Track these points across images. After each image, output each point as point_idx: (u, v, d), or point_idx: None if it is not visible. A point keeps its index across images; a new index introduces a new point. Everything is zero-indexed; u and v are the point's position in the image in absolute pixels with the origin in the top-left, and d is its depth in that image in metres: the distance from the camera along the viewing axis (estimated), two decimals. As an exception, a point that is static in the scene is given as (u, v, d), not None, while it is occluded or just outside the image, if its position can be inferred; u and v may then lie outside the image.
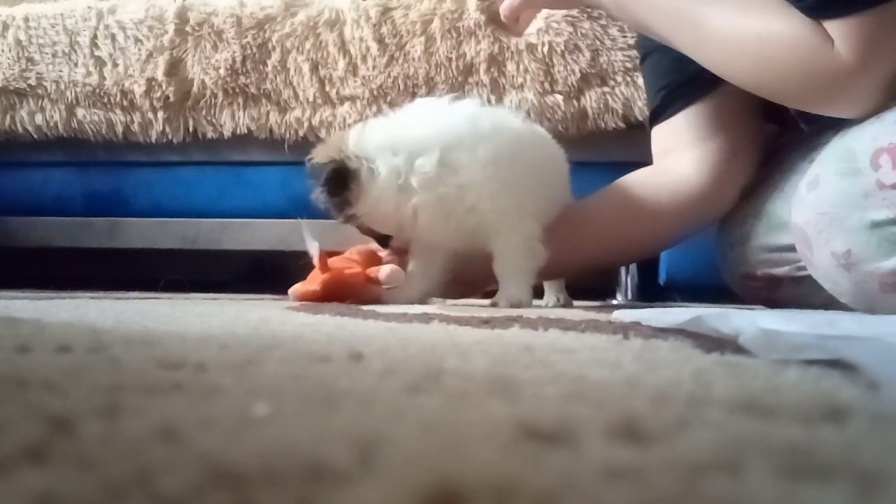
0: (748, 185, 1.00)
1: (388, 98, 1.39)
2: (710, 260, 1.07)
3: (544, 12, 1.32)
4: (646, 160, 1.06)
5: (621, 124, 1.34)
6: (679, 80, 0.99)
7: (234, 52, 1.44)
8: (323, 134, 1.39)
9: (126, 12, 1.49)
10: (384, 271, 0.93)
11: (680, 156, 1.00)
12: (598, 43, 1.34)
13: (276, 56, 1.44)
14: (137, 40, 1.47)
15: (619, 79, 1.33)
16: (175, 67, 1.46)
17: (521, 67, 1.36)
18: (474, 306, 0.96)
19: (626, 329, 0.50)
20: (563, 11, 1.34)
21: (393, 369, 0.31)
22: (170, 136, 1.48)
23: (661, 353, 0.39)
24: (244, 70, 1.44)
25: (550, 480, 0.16)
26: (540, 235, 0.94)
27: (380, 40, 1.40)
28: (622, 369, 0.32)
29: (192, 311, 0.71)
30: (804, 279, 0.88)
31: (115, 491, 0.14)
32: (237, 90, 1.45)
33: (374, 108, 1.39)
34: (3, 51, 1.52)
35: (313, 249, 0.94)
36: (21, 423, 0.19)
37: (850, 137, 0.78)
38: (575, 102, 1.35)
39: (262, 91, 1.45)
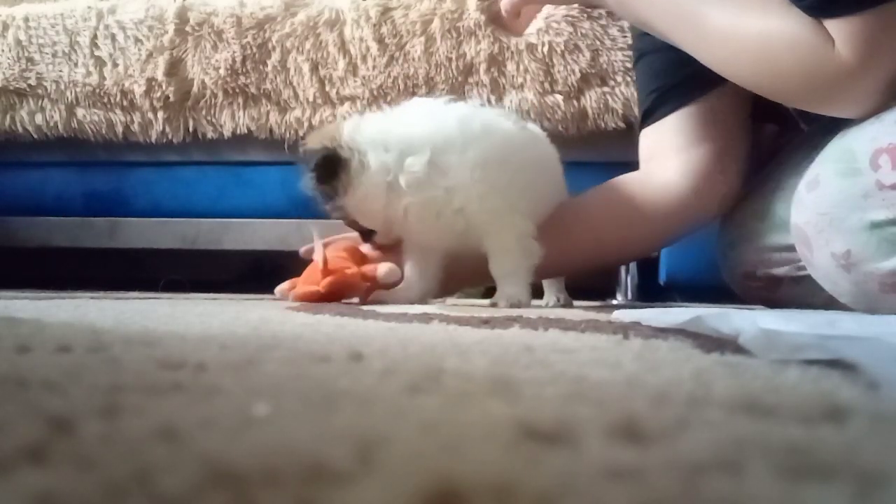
0: (739, 192, 1.00)
1: (388, 98, 1.39)
2: (710, 260, 1.07)
3: (544, 12, 1.32)
4: (645, 160, 1.07)
5: (621, 124, 1.34)
6: (670, 83, 0.99)
7: (234, 52, 1.44)
8: (323, 134, 1.39)
9: (126, 12, 1.49)
10: (381, 269, 0.93)
11: (665, 162, 1.00)
12: (598, 43, 1.34)
13: (276, 56, 1.44)
14: (137, 40, 1.47)
15: (619, 79, 1.33)
16: (175, 67, 1.46)
17: (521, 67, 1.36)
18: (474, 306, 0.96)
19: (626, 329, 0.50)
20: (564, 11, 1.34)
21: (393, 369, 0.31)
22: (170, 136, 1.48)
23: (661, 353, 0.39)
24: (244, 70, 1.45)
25: (550, 480, 0.16)
26: (534, 233, 0.94)
27: (380, 40, 1.40)
28: (622, 369, 0.32)
29: (192, 311, 0.71)
30: (804, 279, 0.88)
31: (115, 491, 0.14)
32: (237, 90, 1.45)
33: (374, 109, 1.39)
34: (3, 51, 1.52)
35: (319, 250, 0.93)
36: (21, 423, 0.19)
37: (849, 138, 0.77)
38: (575, 102, 1.35)
39: (262, 91, 1.45)
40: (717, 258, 1.05)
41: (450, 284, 1.04)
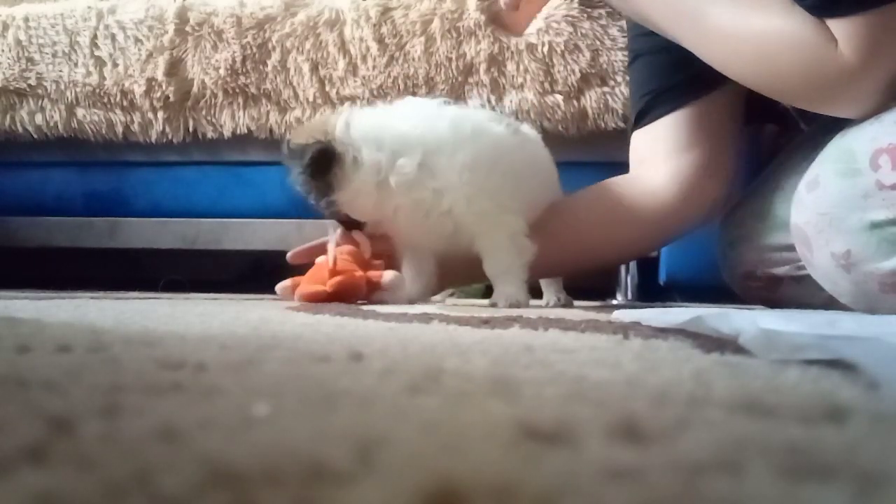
0: (728, 197, 1.00)
1: (388, 98, 1.39)
2: (710, 260, 1.07)
3: (544, 12, 1.32)
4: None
5: (621, 124, 1.34)
6: (664, 87, 0.99)
7: (234, 52, 1.44)
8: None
9: (126, 12, 1.49)
10: (387, 277, 0.93)
11: (655, 167, 1.00)
12: (598, 43, 1.34)
13: (276, 56, 1.44)
14: (137, 40, 1.47)
15: (619, 79, 1.33)
16: (175, 67, 1.46)
17: (521, 67, 1.36)
18: (474, 306, 0.96)
19: (626, 329, 0.50)
20: (564, 11, 1.34)
21: (393, 369, 0.31)
22: (170, 136, 1.48)
23: (661, 353, 0.39)
24: (244, 70, 1.45)
25: (550, 480, 0.16)
26: (526, 230, 0.94)
27: (380, 40, 1.40)
28: (622, 369, 0.32)
29: (192, 311, 0.71)
30: (804, 279, 0.88)
31: (115, 491, 0.14)
32: (237, 90, 1.45)
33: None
34: (3, 51, 1.52)
35: (331, 249, 0.93)
36: (21, 423, 0.19)
37: (849, 138, 0.77)
38: (575, 102, 1.35)
39: (262, 91, 1.45)
40: (717, 258, 1.05)
41: (444, 282, 1.05)
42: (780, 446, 0.18)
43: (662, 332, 0.49)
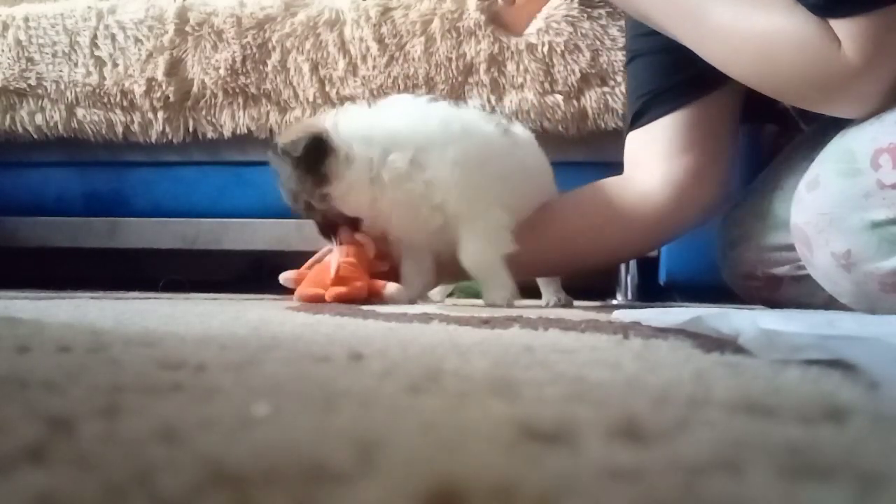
0: (722, 200, 1.00)
1: (389, 98, 1.39)
2: (710, 260, 1.07)
3: (544, 12, 1.32)
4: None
5: (621, 124, 1.34)
6: (661, 88, 0.98)
7: (234, 52, 1.44)
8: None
9: (126, 12, 1.49)
10: (389, 289, 0.93)
11: (648, 170, 1.00)
12: (598, 43, 1.34)
13: (276, 56, 1.44)
14: (137, 40, 1.47)
15: (619, 79, 1.33)
16: (175, 67, 1.46)
17: (521, 67, 1.36)
18: (474, 306, 0.96)
19: (626, 329, 0.50)
20: (564, 11, 1.34)
21: (393, 370, 0.31)
22: (170, 136, 1.48)
23: (661, 353, 0.39)
24: (244, 70, 1.45)
25: (550, 480, 0.16)
26: (511, 226, 0.94)
27: (380, 40, 1.40)
28: (622, 369, 0.32)
29: (192, 311, 0.71)
30: (804, 279, 0.88)
31: (115, 491, 0.14)
32: (237, 90, 1.45)
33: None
34: (3, 51, 1.52)
35: (335, 255, 0.93)
36: (21, 423, 0.19)
37: (849, 137, 0.77)
38: (575, 102, 1.35)
39: (262, 91, 1.45)
40: (717, 258, 1.05)
41: (439, 278, 1.05)
42: (780, 446, 0.18)
43: (662, 332, 0.49)
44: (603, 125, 1.35)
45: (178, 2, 1.49)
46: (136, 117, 1.49)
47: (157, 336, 0.45)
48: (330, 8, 1.43)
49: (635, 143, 1.02)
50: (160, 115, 1.47)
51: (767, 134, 1.09)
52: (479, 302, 1.07)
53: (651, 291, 1.45)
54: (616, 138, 1.34)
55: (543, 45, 1.34)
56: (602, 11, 1.34)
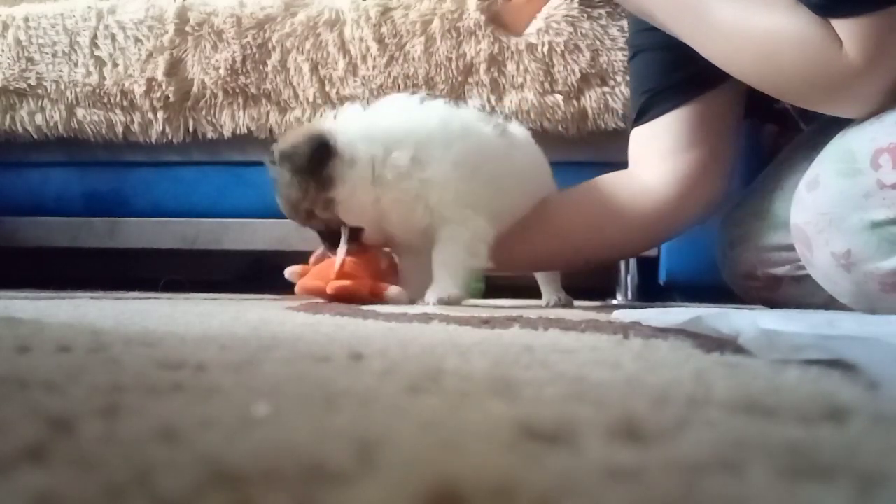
0: (724, 196, 1.00)
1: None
2: (710, 260, 1.07)
3: (544, 12, 1.32)
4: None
5: (621, 124, 1.34)
6: (664, 85, 0.98)
7: (234, 52, 1.44)
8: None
9: (126, 12, 1.49)
10: (391, 291, 0.93)
11: (652, 166, 1.00)
12: (598, 43, 1.34)
13: (276, 56, 1.44)
14: (137, 40, 1.47)
15: (619, 79, 1.33)
16: (175, 67, 1.46)
17: (521, 67, 1.36)
18: (474, 306, 0.96)
19: (626, 329, 0.50)
20: (564, 11, 1.34)
21: (393, 369, 0.31)
22: (170, 136, 1.48)
23: (661, 353, 0.39)
24: (244, 70, 1.45)
25: (550, 480, 0.16)
26: (490, 240, 0.94)
27: (380, 40, 1.40)
28: (622, 369, 0.32)
29: (192, 311, 0.71)
30: (804, 279, 0.88)
31: (115, 491, 0.14)
32: (237, 90, 1.45)
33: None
34: (3, 51, 1.52)
35: (342, 250, 0.93)
36: (21, 423, 0.19)
37: (849, 137, 0.77)
38: (575, 102, 1.35)
39: (262, 91, 1.45)
40: (717, 258, 1.05)
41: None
42: (780, 446, 0.18)
43: (662, 332, 0.49)
44: (603, 125, 1.35)
45: (178, 2, 1.49)
46: (136, 117, 1.49)
47: (157, 336, 0.45)
48: (330, 8, 1.43)
49: (639, 140, 1.03)
50: (160, 115, 1.47)
51: (767, 134, 1.09)
52: (479, 302, 1.07)
53: (651, 291, 1.45)
54: (616, 138, 1.35)
55: (543, 45, 1.34)
56: (602, 11, 1.34)
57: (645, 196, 1.00)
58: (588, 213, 1.03)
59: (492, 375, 0.30)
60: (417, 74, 1.39)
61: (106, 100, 1.49)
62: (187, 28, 1.46)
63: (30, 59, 1.51)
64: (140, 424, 0.20)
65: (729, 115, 0.98)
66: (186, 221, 1.51)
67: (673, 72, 0.96)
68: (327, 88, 1.43)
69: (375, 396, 0.25)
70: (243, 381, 0.28)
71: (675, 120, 0.98)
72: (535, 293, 1.20)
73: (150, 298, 1.05)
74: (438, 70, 1.38)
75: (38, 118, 1.51)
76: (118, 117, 1.49)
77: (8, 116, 1.52)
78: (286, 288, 0.99)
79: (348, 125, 0.93)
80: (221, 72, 1.45)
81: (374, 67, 1.40)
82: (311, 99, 1.43)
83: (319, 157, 0.90)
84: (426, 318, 0.59)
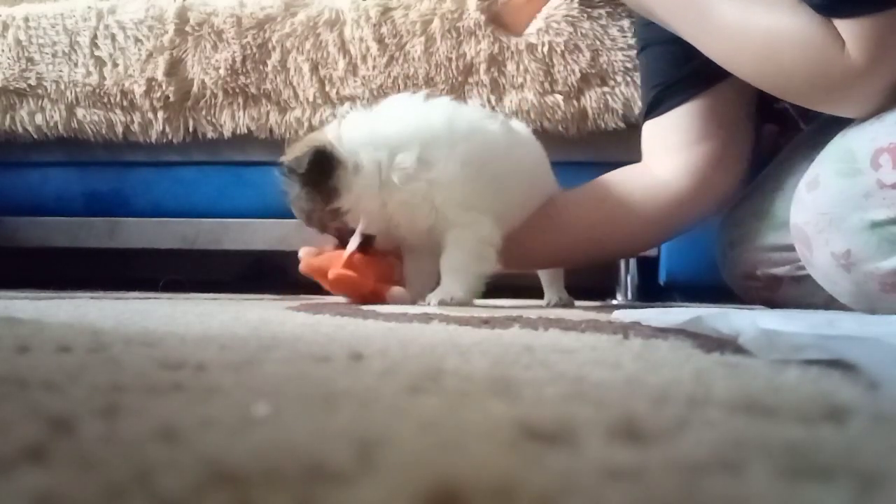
0: (738, 190, 1.00)
1: (389, 98, 1.39)
2: (710, 260, 1.07)
3: (544, 12, 1.32)
4: (646, 161, 1.06)
5: (621, 124, 1.34)
6: (674, 78, 0.98)
7: (234, 52, 1.44)
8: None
9: (126, 12, 1.48)
10: (393, 292, 0.93)
11: (665, 159, 1.00)
12: (598, 43, 1.34)
13: (276, 56, 1.43)
14: (137, 40, 1.47)
15: (619, 79, 1.33)
16: (175, 67, 1.46)
17: (521, 67, 1.36)
18: (474, 306, 0.96)
19: (626, 329, 0.50)
20: (564, 11, 1.34)
21: (393, 369, 0.31)
22: (170, 136, 1.48)
23: (661, 353, 0.39)
24: (244, 70, 1.44)
25: (550, 480, 0.16)
26: (497, 244, 0.93)
27: (380, 40, 1.40)
28: (622, 369, 0.32)
29: (192, 311, 0.71)
30: (804, 279, 0.88)
31: (115, 491, 0.14)
32: (237, 90, 1.45)
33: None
34: (3, 51, 1.52)
35: (354, 240, 0.92)
36: (21, 423, 0.19)
37: (849, 137, 0.77)
38: (575, 102, 1.35)
39: (262, 91, 1.45)
40: (717, 258, 1.05)
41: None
42: (780, 446, 0.18)
43: (662, 332, 0.49)
44: (603, 125, 1.35)
45: (178, 2, 1.48)
46: (136, 117, 1.48)
47: (157, 336, 0.45)
48: (330, 8, 1.43)
49: (652, 133, 1.03)
50: (160, 115, 1.47)
51: (767, 134, 1.08)
52: (479, 302, 1.07)
53: (651, 291, 1.45)
54: (616, 138, 1.35)
55: (543, 45, 1.34)
56: (602, 11, 1.34)
57: (660, 189, 1.00)
58: (605, 208, 1.03)
59: (492, 375, 0.30)
60: (417, 74, 1.39)
61: (106, 100, 1.49)
62: (187, 28, 1.46)
63: (30, 59, 1.51)
64: (140, 424, 0.20)
65: (741, 105, 0.98)
66: (186, 221, 1.51)
67: (683, 64, 0.96)
68: (327, 88, 1.42)
69: (375, 396, 0.25)
70: (243, 381, 0.28)
71: (686, 113, 0.98)
72: (535, 293, 1.20)
73: (150, 298, 1.05)
74: (438, 70, 1.38)
75: (38, 118, 1.51)
76: (118, 117, 1.49)
77: (8, 116, 1.52)
78: (286, 288, 1.00)
79: (352, 132, 0.92)
80: (221, 72, 1.44)
81: (374, 67, 1.40)
82: (311, 99, 1.43)
83: (321, 169, 0.90)
84: (426, 318, 0.59)
